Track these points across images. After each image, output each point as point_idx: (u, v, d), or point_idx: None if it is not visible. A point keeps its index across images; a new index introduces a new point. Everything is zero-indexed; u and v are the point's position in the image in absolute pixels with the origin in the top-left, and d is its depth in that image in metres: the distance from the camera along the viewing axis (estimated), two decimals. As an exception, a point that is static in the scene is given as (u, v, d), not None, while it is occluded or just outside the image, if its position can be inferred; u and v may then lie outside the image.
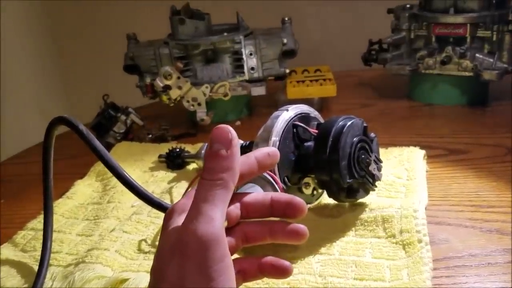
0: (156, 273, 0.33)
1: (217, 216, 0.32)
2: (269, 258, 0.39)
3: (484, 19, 0.86)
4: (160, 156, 0.79)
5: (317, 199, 0.60)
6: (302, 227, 0.38)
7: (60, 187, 0.73)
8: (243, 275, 0.39)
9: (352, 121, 0.53)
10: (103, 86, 0.97)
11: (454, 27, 0.87)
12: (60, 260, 0.56)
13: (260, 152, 0.39)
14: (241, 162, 0.37)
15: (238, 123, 0.96)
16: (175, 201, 0.64)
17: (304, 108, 0.58)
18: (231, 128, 0.34)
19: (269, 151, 0.39)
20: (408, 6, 0.96)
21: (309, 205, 0.59)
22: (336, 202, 0.58)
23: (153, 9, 1.28)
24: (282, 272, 0.39)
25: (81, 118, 0.54)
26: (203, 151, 0.70)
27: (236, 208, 0.37)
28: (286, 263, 0.39)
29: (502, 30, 0.86)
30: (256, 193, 0.39)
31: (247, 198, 0.38)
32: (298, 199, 0.38)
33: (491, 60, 0.86)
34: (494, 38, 0.86)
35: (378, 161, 0.56)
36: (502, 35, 0.86)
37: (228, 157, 0.34)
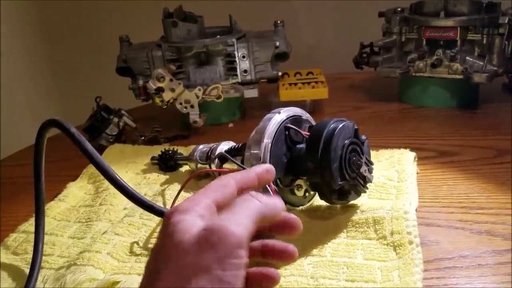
0: (182, 266, 0.33)
1: (250, 225, 0.35)
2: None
3: (474, 22, 0.87)
4: (152, 158, 0.79)
5: (309, 201, 0.60)
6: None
7: (52, 189, 0.72)
8: None
9: (343, 123, 0.54)
10: (96, 88, 0.97)
11: (444, 30, 0.88)
12: (51, 262, 0.55)
13: (260, 169, 0.42)
14: (244, 178, 0.40)
15: (230, 125, 0.97)
16: (168, 203, 0.64)
17: (296, 110, 0.59)
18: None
19: (268, 167, 0.42)
20: (399, 9, 0.96)
21: (301, 207, 0.60)
22: (327, 204, 0.58)
23: (146, 12, 1.28)
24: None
25: (74, 120, 0.54)
26: (195, 153, 0.71)
27: None
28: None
29: (492, 34, 0.86)
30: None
31: None
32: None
33: (481, 63, 0.87)
34: (484, 41, 0.87)
35: (369, 163, 0.57)
36: (492, 38, 0.87)
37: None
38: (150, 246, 0.56)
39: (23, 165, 0.87)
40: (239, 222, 0.34)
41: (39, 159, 0.54)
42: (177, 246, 0.34)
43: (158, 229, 0.59)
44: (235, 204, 0.36)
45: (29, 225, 0.64)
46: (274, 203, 0.39)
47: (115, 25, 1.26)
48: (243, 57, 0.92)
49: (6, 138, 1.20)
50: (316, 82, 0.94)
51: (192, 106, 0.89)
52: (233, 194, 0.39)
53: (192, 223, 0.35)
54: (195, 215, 0.36)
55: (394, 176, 0.64)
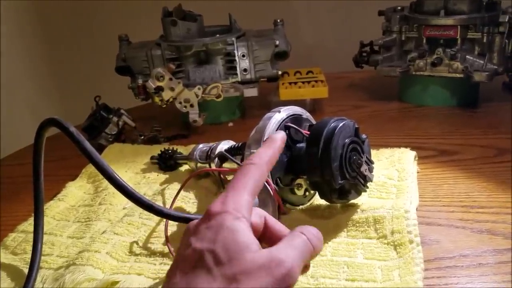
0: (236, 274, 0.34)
1: (301, 267, 0.36)
2: None
3: (474, 21, 0.87)
4: (152, 158, 0.78)
5: (309, 200, 0.60)
6: None
7: (51, 189, 0.72)
8: None
9: (344, 122, 0.53)
10: (95, 88, 0.97)
11: (444, 29, 0.88)
12: (50, 262, 0.55)
13: (279, 143, 0.43)
14: (269, 163, 0.41)
15: (230, 124, 0.97)
16: (168, 202, 0.64)
17: (296, 109, 0.59)
18: None
19: (282, 138, 0.44)
20: (399, 8, 0.96)
21: (301, 206, 0.59)
22: (328, 203, 0.58)
23: (145, 11, 1.28)
24: None
25: (74, 120, 0.54)
26: (195, 152, 0.70)
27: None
28: None
29: (492, 32, 0.86)
30: None
31: None
32: None
33: (482, 61, 0.87)
34: (484, 40, 0.87)
35: (369, 162, 0.56)
36: (492, 37, 0.86)
37: None
38: (150, 245, 0.56)
39: (23, 164, 0.87)
40: (296, 262, 0.35)
41: (38, 158, 0.54)
42: (237, 260, 0.34)
43: (157, 229, 0.59)
44: (292, 240, 0.37)
45: (28, 225, 0.63)
46: (320, 245, 0.39)
47: (114, 24, 1.25)
48: (243, 56, 0.92)
49: (6, 137, 1.20)
50: (316, 81, 0.94)
51: (191, 105, 0.89)
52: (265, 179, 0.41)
53: (247, 237, 0.35)
54: (245, 222, 0.36)
55: (395, 175, 0.64)
